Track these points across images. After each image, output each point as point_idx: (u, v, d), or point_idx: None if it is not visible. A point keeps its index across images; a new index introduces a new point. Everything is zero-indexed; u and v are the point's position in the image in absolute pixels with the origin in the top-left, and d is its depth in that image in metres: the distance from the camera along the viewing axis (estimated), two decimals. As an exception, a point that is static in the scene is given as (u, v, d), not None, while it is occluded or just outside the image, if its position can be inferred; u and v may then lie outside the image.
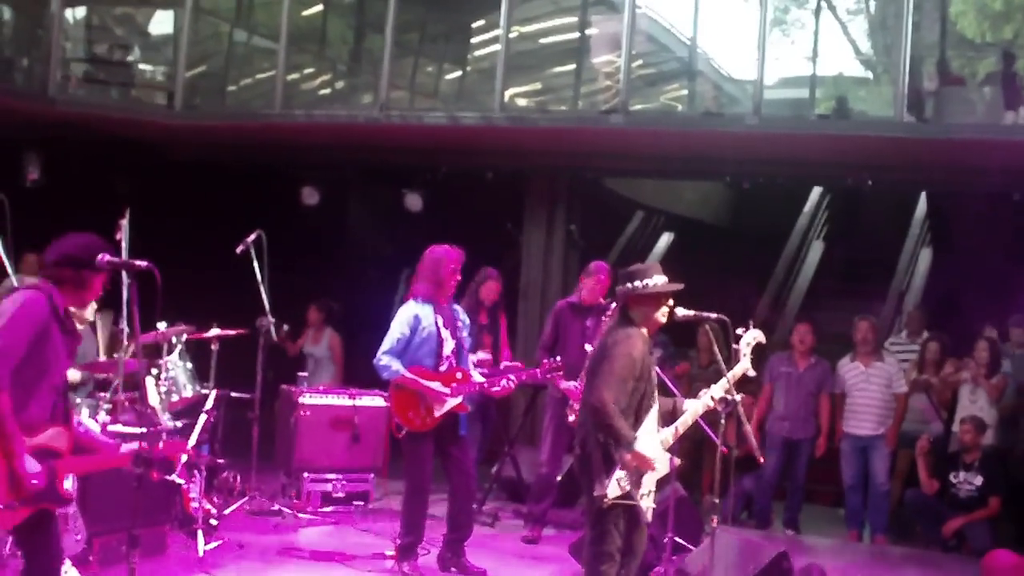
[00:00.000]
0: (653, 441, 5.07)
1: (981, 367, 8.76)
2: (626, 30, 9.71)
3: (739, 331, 5.54)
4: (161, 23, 12.53)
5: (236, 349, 8.08)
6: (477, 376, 6.72)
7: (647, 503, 5.07)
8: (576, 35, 11.68)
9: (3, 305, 4.15)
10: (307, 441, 8.30)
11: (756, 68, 9.50)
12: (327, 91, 12.86)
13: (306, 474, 8.24)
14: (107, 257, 4.27)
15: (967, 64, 11.69)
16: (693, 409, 5.32)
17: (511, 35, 10.29)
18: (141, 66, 12.03)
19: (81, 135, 10.50)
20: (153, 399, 7.03)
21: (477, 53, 12.63)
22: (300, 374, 8.89)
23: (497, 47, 10.19)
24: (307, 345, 10.08)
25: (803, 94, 10.23)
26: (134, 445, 4.41)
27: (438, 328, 6.56)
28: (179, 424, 7.08)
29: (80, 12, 11.96)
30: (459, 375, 6.58)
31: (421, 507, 6.58)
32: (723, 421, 5.69)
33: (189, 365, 7.52)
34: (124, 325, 6.84)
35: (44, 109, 10.15)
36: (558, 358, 7.09)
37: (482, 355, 8.25)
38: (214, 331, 7.78)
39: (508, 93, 10.36)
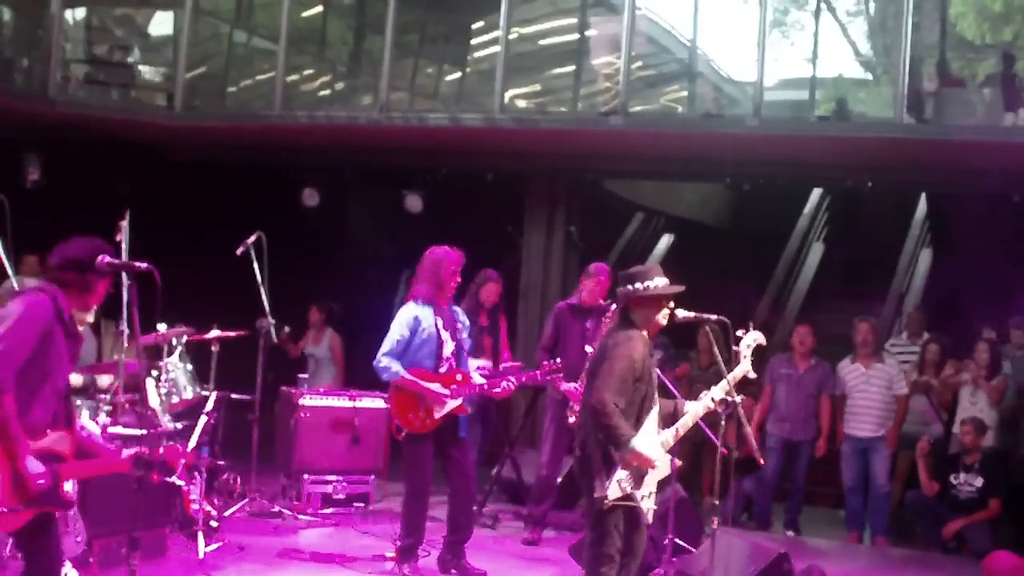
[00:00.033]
0: (654, 442, 5.07)
1: (981, 369, 8.76)
2: (626, 31, 9.71)
3: (739, 333, 5.54)
4: (161, 24, 12.54)
5: (236, 351, 8.08)
6: (477, 378, 6.72)
7: (648, 504, 5.07)
8: (576, 36, 11.68)
9: (8, 307, 4.15)
10: (307, 443, 8.30)
11: (756, 69, 9.50)
12: (327, 92, 12.86)
13: (306, 476, 8.24)
14: (107, 259, 4.27)
15: (967, 65, 11.70)
16: (693, 411, 5.32)
17: (511, 36, 10.29)
18: (141, 67, 12.03)
19: (81, 136, 10.51)
20: (153, 401, 7.03)
21: (477, 54, 12.64)
22: (300, 376, 8.89)
23: (497, 48, 10.19)
24: (308, 346, 10.09)
25: (803, 96, 10.23)
26: (134, 450, 4.40)
27: (438, 330, 6.56)
28: (179, 426, 7.08)
29: (80, 13, 11.96)
30: (459, 377, 6.58)
31: (421, 509, 6.58)
32: (723, 423, 5.69)
33: (189, 367, 7.52)
34: (124, 327, 6.83)
35: (44, 110, 10.15)
36: (558, 360, 7.10)
37: (482, 363, 8.23)
38: (214, 333, 7.78)
39: (508, 94, 10.37)
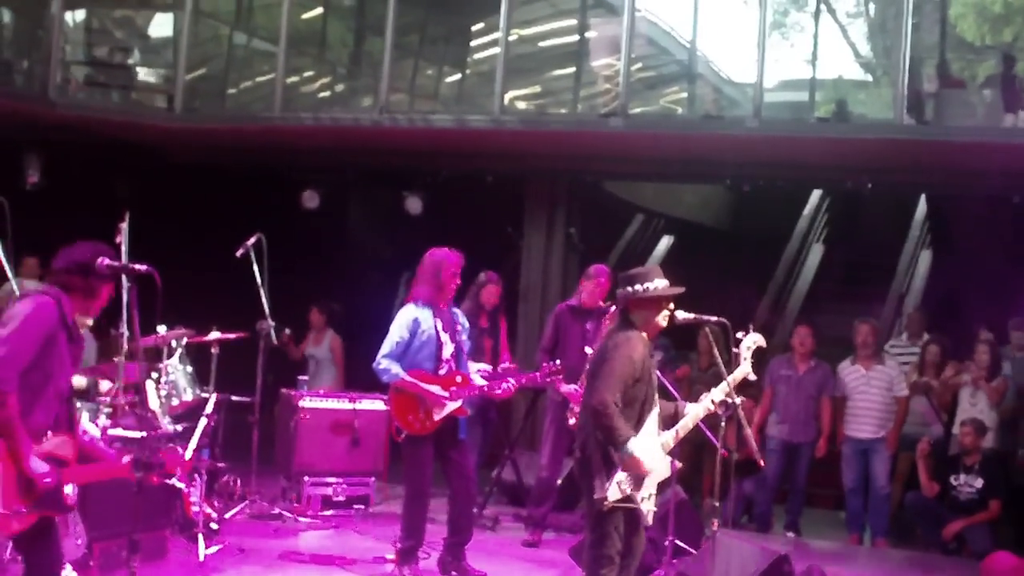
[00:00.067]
0: (654, 444, 5.07)
1: (981, 370, 8.76)
2: (625, 33, 9.70)
3: (739, 335, 5.54)
4: (161, 26, 12.54)
5: (236, 353, 8.08)
6: (478, 379, 6.72)
7: (648, 506, 5.07)
8: (576, 38, 11.67)
9: (14, 308, 4.16)
10: (307, 445, 8.30)
11: (756, 71, 9.49)
12: (327, 94, 12.86)
13: (306, 478, 8.24)
14: (106, 260, 4.27)
15: (967, 67, 11.70)
16: (694, 413, 5.32)
17: (511, 38, 10.28)
18: (141, 69, 12.03)
19: (81, 138, 10.51)
20: (153, 403, 7.03)
21: (477, 56, 12.64)
22: (300, 377, 8.89)
23: (497, 50, 10.19)
24: (309, 347, 10.09)
25: (803, 97, 10.22)
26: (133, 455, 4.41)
27: (437, 331, 6.56)
28: (179, 428, 7.07)
29: (80, 15, 11.97)
30: (459, 379, 6.58)
31: (421, 511, 6.58)
32: (723, 424, 5.69)
33: (189, 369, 7.52)
34: (124, 329, 6.83)
35: (44, 111, 10.16)
36: (558, 361, 7.10)
37: (483, 366, 8.23)
38: (214, 335, 7.78)
39: (508, 96, 10.36)
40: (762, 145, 9.61)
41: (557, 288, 10.80)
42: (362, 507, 8.38)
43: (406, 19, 11.13)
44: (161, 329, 7.16)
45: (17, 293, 6.47)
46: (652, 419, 5.09)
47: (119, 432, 6.34)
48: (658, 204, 15.61)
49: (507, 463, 8.92)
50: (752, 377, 5.56)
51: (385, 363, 6.43)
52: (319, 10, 12.52)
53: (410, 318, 6.52)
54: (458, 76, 13.00)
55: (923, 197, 14.60)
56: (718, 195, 15.95)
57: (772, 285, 14.98)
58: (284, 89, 10.83)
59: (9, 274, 6.77)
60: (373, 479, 8.49)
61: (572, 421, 7.25)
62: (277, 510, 8.05)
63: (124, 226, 6.82)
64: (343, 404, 8.48)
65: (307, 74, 12.66)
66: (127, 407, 6.72)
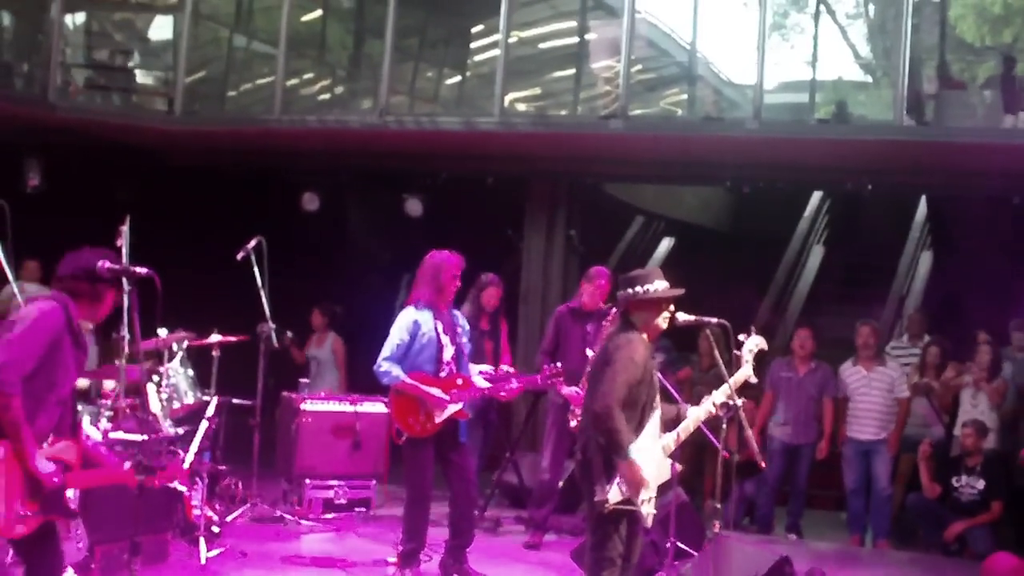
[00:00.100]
0: (655, 446, 5.07)
1: (982, 371, 8.76)
2: (625, 35, 9.70)
3: (740, 337, 5.53)
4: (161, 29, 12.54)
5: (237, 356, 8.07)
6: (480, 382, 6.71)
7: (648, 508, 5.07)
8: (575, 40, 11.67)
9: (21, 312, 4.17)
10: (309, 448, 8.29)
11: (756, 72, 9.48)
12: (327, 96, 12.87)
13: (308, 481, 8.23)
14: (107, 264, 4.28)
15: (967, 68, 11.70)
16: (695, 415, 5.32)
17: (510, 40, 10.29)
18: (141, 72, 12.03)
19: (81, 141, 10.52)
20: (154, 406, 7.02)
21: (477, 58, 12.65)
22: (302, 380, 8.89)
23: (496, 52, 10.18)
24: (311, 349, 10.09)
25: (803, 98, 10.23)
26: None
27: (438, 334, 6.56)
28: (180, 431, 7.07)
29: (80, 18, 11.97)
30: (459, 381, 6.57)
31: (423, 513, 6.57)
32: (724, 426, 5.68)
33: (190, 372, 7.51)
34: (125, 332, 6.82)
35: (44, 115, 10.16)
36: (559, 363, 7.09)
37: (485, 367, 8.22)
38: (215, 337, 7.77)
39: (508, 98, 10.36)
40: (762, 147, 9.61)
41: (557, 290, 10.80)
42: (363, 510, 8.38)
43: (406, 21, 11.13)
44: (162, 332, 7.15)
45: (18, 296, 6.49)
46: (653, 422, 5.09)
47: (120, 435, 6.35)
48: (658, 206, 15.61)
49: (508, 465, 8.92)
50: (753, 379, 5.55)
51: (386, 365, 6.43)
52: (319, 12, 12.52)
53: (410, 320, 6.52)
54: (458, 78, 13.00)
55: (923, 198, 14.60)
56: (718, 197, 15.95)
57: (773, 287, 14.98)
58: (284, 92, 10.83)
59: (10, 277, 6.77)
60: (374, 482, 8.49)
61: (573, 423, 7.25)
62: (278, 513, 8.04)
63: (125, 229, 6.81)
64: (344, 407, 8.47)
65: (307, 76, 12.67)
66: (128, 410, 6.72)
